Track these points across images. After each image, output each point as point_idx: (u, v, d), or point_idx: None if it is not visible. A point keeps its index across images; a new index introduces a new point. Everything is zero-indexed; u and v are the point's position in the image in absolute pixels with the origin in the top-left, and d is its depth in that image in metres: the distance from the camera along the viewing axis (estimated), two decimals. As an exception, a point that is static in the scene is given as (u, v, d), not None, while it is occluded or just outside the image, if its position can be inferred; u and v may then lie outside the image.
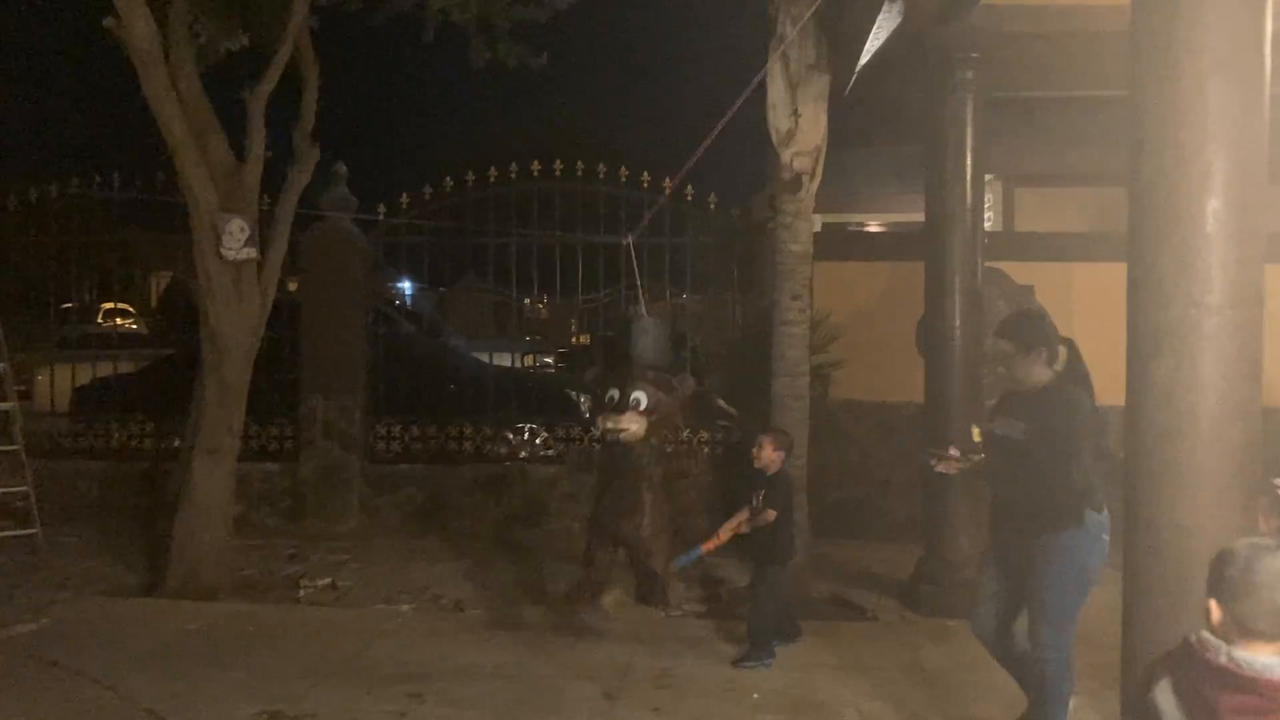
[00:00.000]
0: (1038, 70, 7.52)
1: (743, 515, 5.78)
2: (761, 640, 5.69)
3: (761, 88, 6.81)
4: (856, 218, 13.90)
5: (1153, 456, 3.12)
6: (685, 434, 9.07)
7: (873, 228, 14.18)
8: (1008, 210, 11.23)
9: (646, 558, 6.36)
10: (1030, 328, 4.37)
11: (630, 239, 7.17)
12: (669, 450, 6.95)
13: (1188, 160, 3.07)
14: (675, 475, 7.10)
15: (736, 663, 5.63)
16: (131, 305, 23.08)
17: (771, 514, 5.68)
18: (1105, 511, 4.08)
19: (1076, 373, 4.25)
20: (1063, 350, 4.27)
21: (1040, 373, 4.25)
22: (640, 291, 7.25)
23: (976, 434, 4.64)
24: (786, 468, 5.95)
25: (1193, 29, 3.05)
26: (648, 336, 6.43)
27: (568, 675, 5.47)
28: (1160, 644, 3.10)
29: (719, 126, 5.88)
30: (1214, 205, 3.04)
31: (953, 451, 4.63)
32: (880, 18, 6.17)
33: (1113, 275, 8.46)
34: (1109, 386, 7.85)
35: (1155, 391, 3.10)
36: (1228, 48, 3.02)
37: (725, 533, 5.79)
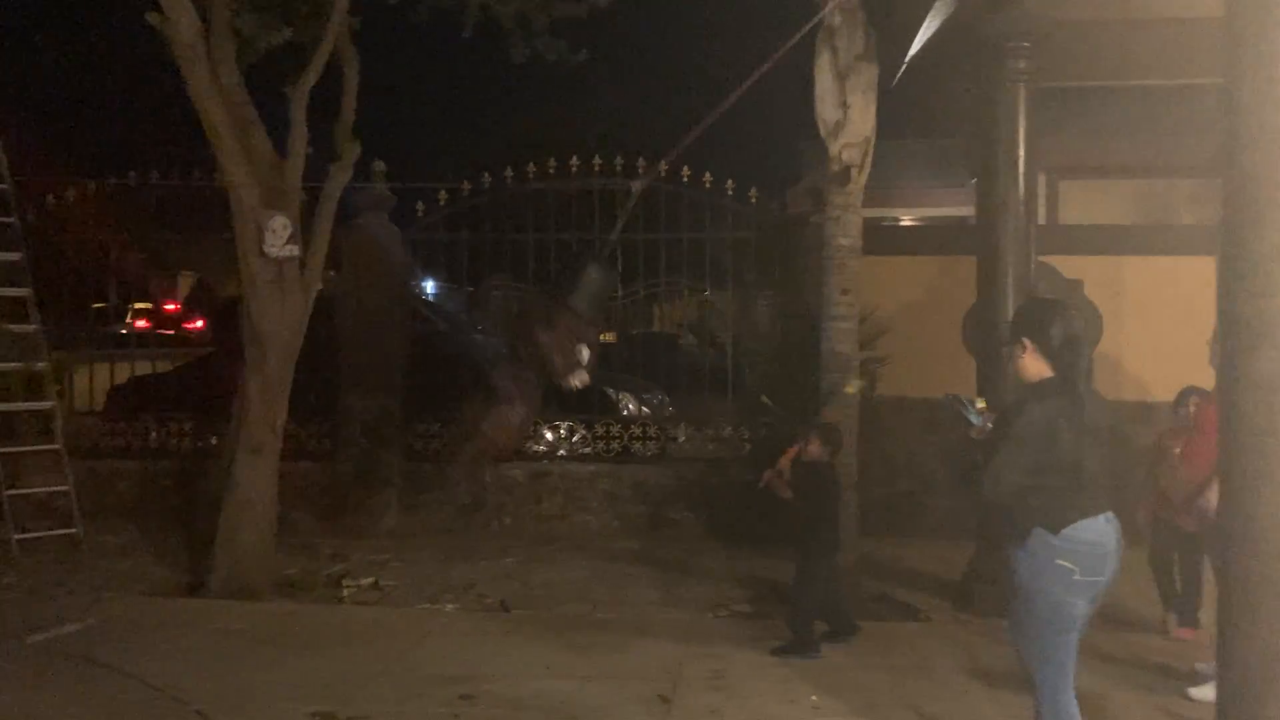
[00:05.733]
0: (1089, 59, 7.40)
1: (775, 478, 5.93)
2: (802, 632, 5.73)
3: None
4: (892, 212, 13.78)
5: (1252, 453, 2.99)
6: (728, 430, 9.00)
7: (905, 222, 14.07)
8: (1051, 203, 11.06)
9: None
10: (1015, 318, 3.99)
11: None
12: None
13: (1288, 144, 2.94)
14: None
15: (776, 650, 5.68)
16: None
17: (787, 493, 5.90)
18: (1068, 531, 3.55)
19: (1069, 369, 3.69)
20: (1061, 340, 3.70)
21: (1025, 367, 3.76)
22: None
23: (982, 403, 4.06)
24: (821, 462, 5.98)
25: (1294, 8, 2.92)
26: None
27: (620, 676, 5.38)
28: (1263, 643, 2.98)
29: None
30: (1316, 190, 2.91)
31: (980, 406, 4.01)
32: (934, 6, 6.05)
33: (1163, 268, 8.39)
34: (1155, 380, 7.68)
35: (1255, 385, 2.97)
36: (1332, 26, 2.90)
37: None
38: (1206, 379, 5.87)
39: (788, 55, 5.39)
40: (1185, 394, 5.96)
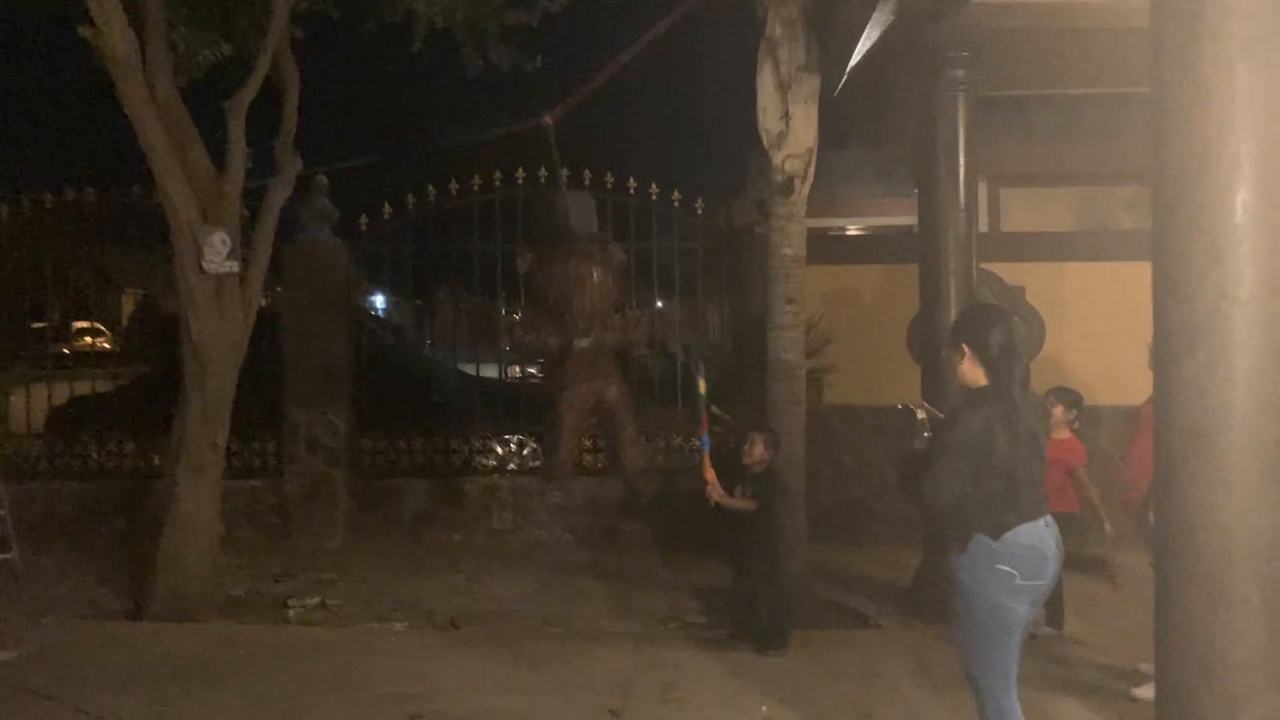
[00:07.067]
0: (1028, 68, 7.50)
1: (724, 495, 5.95)
2: (785, 623, 5.94)
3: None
4: (837, 221, 13.83)
5: (1184, 454, 3.04)
6: (678, 440, 8.99)
7: (851, 231, 14.13)
8: (994, 211, 11.19)
9: None
10: (956, 323, 3.96)
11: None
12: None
13: (1214, 149, 2.99)
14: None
15: (759, 650, 5.86)
16: (104, 324, 22.77)
17: (752, 504, 5.92)
18: (1008, 536, 3.54)
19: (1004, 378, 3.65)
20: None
21: (964, 373, 3.74)
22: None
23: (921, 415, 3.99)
24: (773, 466, 6.08)
25: (1218, 13, 2.97)
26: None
27: (571, 690, 5.34)
28: (1197, 640, 3.02)
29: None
30: (1243, 195, 2.96)
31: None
32: (873, 16, 6.10)
33: (1104, 274, 8.51)
34: (1100, 385, 7.74)
35: (1186, 388, 3.02)
36: (1255, 31, 2.94)
37: (713, 482, 5.90)
38: (1148, 382, 5.96)
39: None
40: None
